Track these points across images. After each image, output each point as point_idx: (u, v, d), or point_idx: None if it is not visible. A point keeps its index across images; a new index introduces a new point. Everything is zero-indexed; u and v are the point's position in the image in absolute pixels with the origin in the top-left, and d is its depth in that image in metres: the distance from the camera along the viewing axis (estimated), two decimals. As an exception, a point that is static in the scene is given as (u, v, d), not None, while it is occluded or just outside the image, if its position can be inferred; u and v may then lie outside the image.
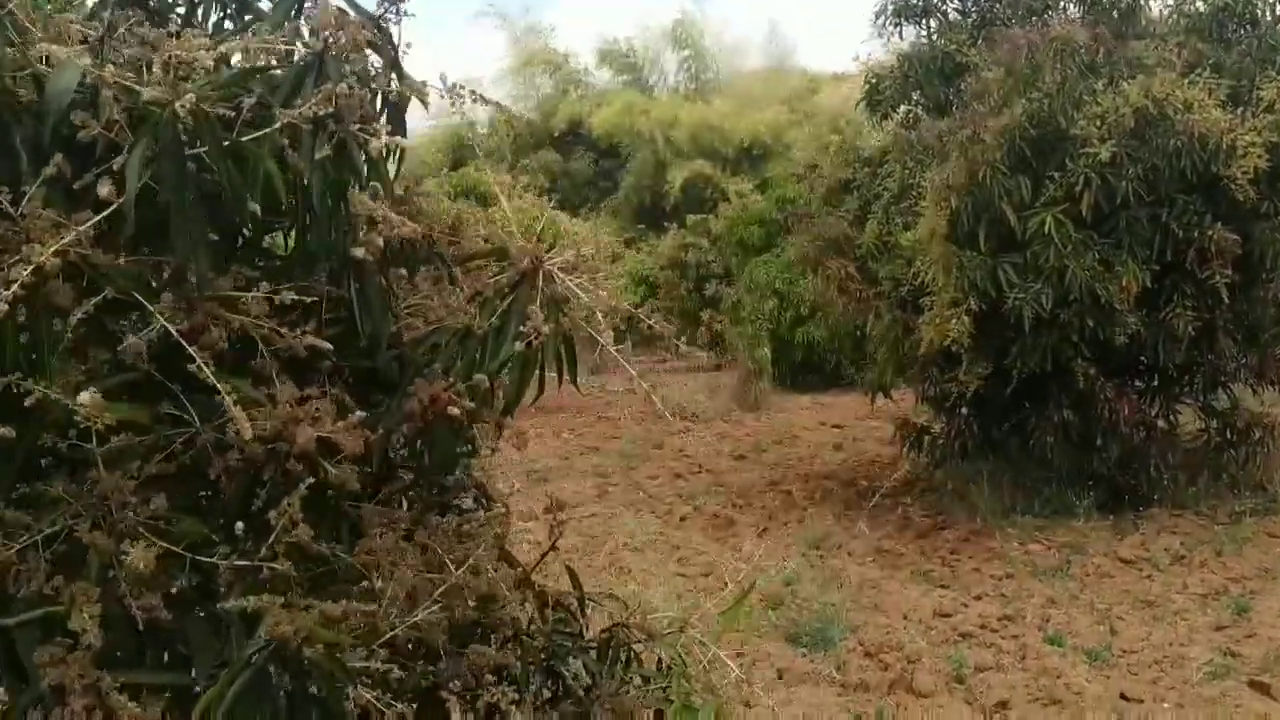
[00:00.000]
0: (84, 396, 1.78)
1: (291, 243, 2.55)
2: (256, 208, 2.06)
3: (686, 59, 34.61)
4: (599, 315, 2.31)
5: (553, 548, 2.95)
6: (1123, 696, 5.54)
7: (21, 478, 2.04)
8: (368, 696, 1.97)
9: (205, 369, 1.94)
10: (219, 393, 1.94)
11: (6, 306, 1.73)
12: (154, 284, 2.12)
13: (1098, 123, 8.02)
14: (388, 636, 2.13)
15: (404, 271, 2.56)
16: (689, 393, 17.23)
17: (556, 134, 33.12)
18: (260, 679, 1.87)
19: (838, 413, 15.40)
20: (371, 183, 2.52)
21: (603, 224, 28.43)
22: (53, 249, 1.83)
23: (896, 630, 6.58)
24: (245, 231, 2.49)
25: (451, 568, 2.28)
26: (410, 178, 2.78)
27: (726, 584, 7.57)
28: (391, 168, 2.55)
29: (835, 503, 10.12)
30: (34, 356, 1.90)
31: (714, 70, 34.51)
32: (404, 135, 2.61)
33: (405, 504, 2.81)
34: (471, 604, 2.40)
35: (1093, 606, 6.95)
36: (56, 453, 1.97)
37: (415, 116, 2.48)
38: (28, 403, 1.82)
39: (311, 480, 2.08)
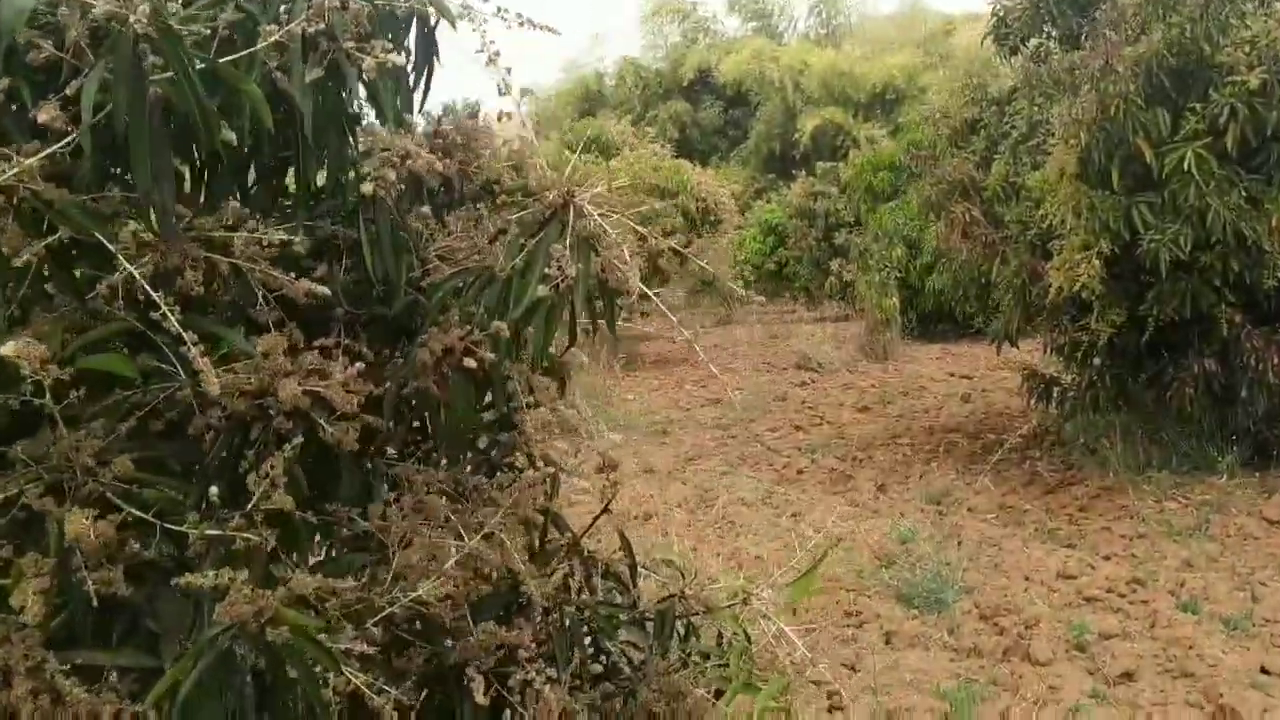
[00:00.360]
0: (8, 347, 1.59)
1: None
2: (232, 136, 1.86)
3: (817, 4, 33.81)
4: (626, 254, 2.05)
5: (605, 510, 2.73)
6: (1263, 670, 5.09)
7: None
8: (355, 681, 1.76)
9: (170, 315, 1.74)
10: (184, 342, 1.74)
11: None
12: (133, 223, 1.94)
13: (1246, 48, 7.40)
14: (384, 613, 1.93)
15: (426, 209, 2.33)
16: (815, 343, 16.86)
17: (685, 83, 32.69)
18: (226, 661, 1.68)
19: (967, 363, 14.88)
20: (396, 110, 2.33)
21: (731, 173, 28.03)
22: (-6, 184, 1.65)
23: (1015, 592, 6.20)
24: (273, 167, 2.31)
25: (466, 537, 2.06)
26: (463, 110, 2.56)
27: (840, 541, 7.29)
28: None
29: (959, 457, 9.70)
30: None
31: (845, 15, 33.66)
32: (434, 58, 2.39)
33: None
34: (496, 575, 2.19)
35: (1233, 571, 6.46)
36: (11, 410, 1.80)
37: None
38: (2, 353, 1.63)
39: (299, 440, 1.88)
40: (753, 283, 21.85)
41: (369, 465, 2.37)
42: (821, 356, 16.08)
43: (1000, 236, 8.90)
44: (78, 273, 1.89)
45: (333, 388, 1.89)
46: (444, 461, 2.60)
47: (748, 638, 2.60)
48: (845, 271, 18.81)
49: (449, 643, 2.11)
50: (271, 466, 1.82)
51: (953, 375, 14.29)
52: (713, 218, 19.47)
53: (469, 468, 2.65)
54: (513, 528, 2.14)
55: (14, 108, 1.84)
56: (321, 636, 1.78)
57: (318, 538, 2.37)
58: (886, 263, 16.93)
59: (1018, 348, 9.84)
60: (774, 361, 16.68)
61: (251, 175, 2.33)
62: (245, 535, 1.77)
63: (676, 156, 21.51)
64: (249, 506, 1.82)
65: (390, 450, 2.46)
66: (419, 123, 2.60)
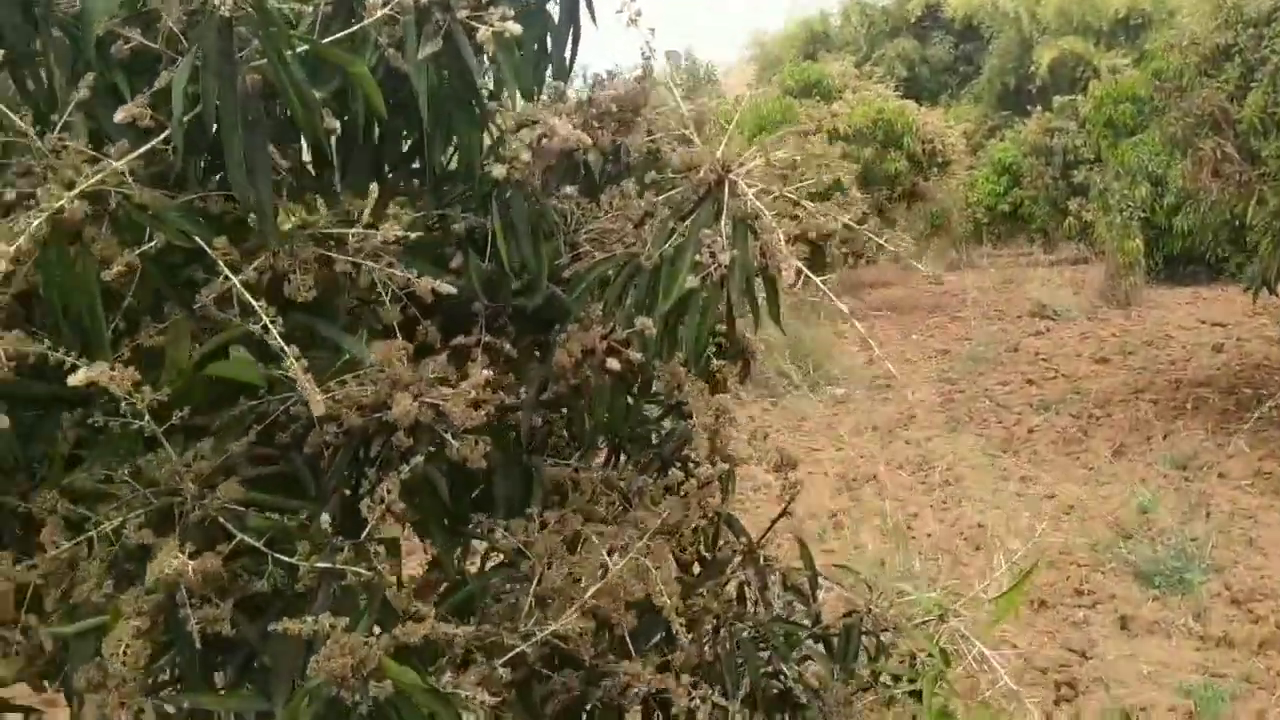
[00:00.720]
0: (80, 375, 1.44)
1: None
2: (336, 125, 1.67)
3: (1054, -75, 31.99)
4: (780, 241, 1.77)
5: (784, 513, 2.47)
6: None
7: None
8: (480, 729, 1.57)
9: (271, 327, 1.57)
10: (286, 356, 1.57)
11: (4, 268, 1.42)
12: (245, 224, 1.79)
13: None
14: (515, 651, 1.74)
15: (571, 190, 2.12)
16: (1051, 289, 16.02)
17: (913, 20, 31.55)
18: (334, 709, 1.51)
19: (1221, 309, 13.81)
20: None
21: (962, 112, 26.96)
22: (78, 190, 1.51)
23: (1274, 573, 5.62)
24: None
25: (618, 553, 1.84)
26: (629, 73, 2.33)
27: (1071, 510, 6.81)
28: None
29: (1209, 415, 8.95)
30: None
31: (1085, -65, 31.75)
32: (589, 17, 2.18)
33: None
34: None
35: None
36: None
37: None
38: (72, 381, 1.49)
39: (419, 460, 1.69)
40: (985, 225, 21.00)
41: (529, 464, 2.19)
42: (1058, 303, 15.28)
43: (1257, 174, 8.10)
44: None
45: (454, 400, 1.69)
46: (622, 456, 2.42)
47: (945, 659, 2.30)
48: (1085, 212, 17.81)
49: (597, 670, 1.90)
50: (388, 490, 1.64)
51: (1203, 323, 13.29)
52: (940, 159, 18.72)
53: (637, 463, 2.45)
54: (659, 550, 1.90)
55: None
56: (445, 679, 1.61)
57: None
58: (1129, 202, 15.88)
59: (1278, 294, 9.00)
60: (1006, 309, 15.93)
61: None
62: (356, 570, 1.60)
63: (903, 97, 20.78)
64: (362, 536, 1.65)
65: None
66: (574, 90, 2.39)
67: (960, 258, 20.64)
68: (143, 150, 1.59)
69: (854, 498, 7.55)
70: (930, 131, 18.35)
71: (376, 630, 1.63)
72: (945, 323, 15.58)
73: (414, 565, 2.25)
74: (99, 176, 1.53)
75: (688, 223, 1.90)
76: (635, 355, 1.91)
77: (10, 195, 1.55)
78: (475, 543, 2.21)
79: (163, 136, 1.61)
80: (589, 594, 1.79)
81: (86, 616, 1.62)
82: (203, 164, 1.74)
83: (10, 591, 1.76)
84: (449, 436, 1.73)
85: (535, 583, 1.85)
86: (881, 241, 2.04)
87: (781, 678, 2.26)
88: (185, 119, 1.59)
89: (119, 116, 1.53)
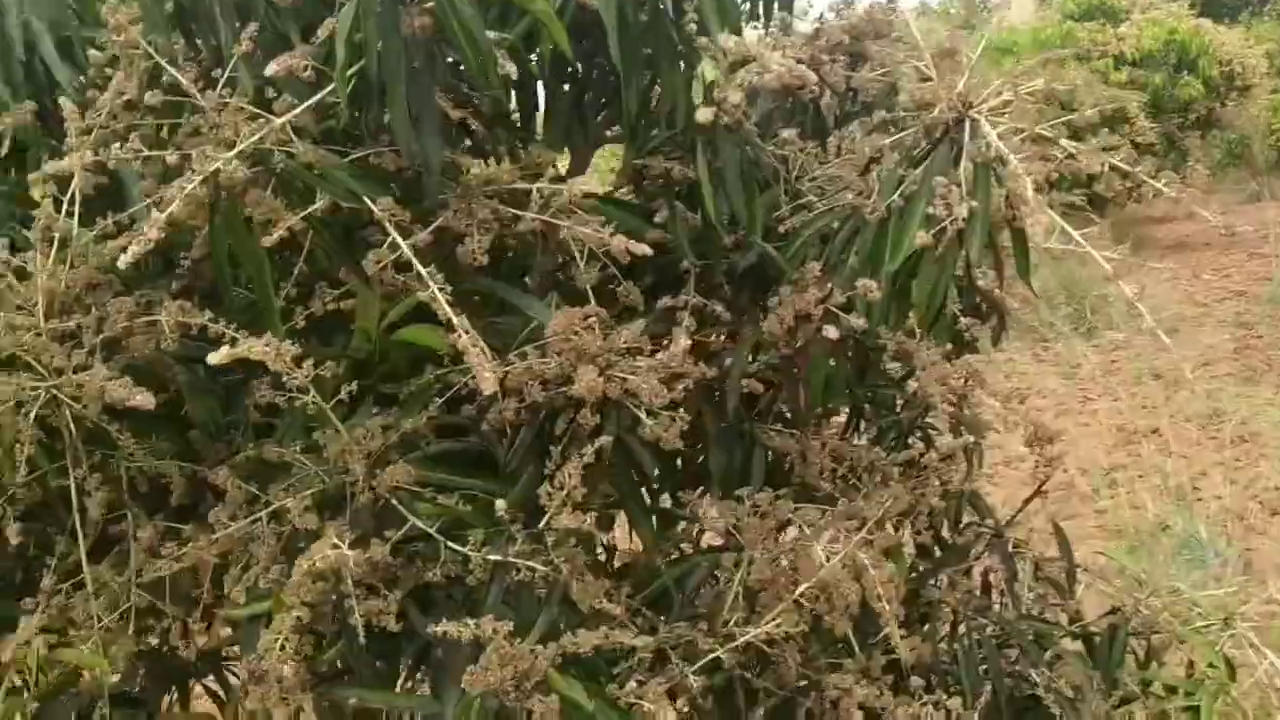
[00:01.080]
0: (221, 353, 1.33)
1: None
2: (512, 69, 1.49)
3: None
4: (1029, 188, 1.49)
5: (1038, 493, 2.20)
6: None
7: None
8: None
9: (439, 296, 1.43)
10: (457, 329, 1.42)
11: (155, 235, 1.32)
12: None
13: None
14: (712, 656, 1.55)
15: (790, 133, 1.89)
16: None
17: (1213, -70, 29.18)
18: (506, 716, 1.37)
19: None
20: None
21: (1266, 31, 24.76)
22: (236, 150, 1.40)
23: None
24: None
25: (823, 555, 1.63)
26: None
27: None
28: None
29: None
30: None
31: None
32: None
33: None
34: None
35: None
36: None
37: None
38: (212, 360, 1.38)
39: (607, 439, 1.52)
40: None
41: (751, 432, 2.00)
42: (1375, 237, 13.82)
43: None
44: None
45: (643, 375, 1.50)
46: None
47: (1230, 670, 1.98)
48: None
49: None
50: (569, 475, 1.47)
51: None
52: (1240, 83, 17.23)
53: (879, 427, 2.23)
54: (883, 542, 1.66)
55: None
56: (629, 686, 1.45)
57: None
58: None
59: None
60: (1320, 247, 14.52)
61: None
62: (530, 564, 1.44)
63: (1199, 15, 19.23)
64: (540, 525, 1.49)
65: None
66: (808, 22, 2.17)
67: (1262, 189, 18.99)
68: (308, 104, 1.46)
69: (1132, 453, 7.00)
70: (1229, 53, 16.88)
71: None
72: (1243, 260, 14.30)
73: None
74: (257, 135, 1.41)
75: (920, 170, 1.64)
76: (857, 321, 1.67)
77: (173, 158, 1.45)
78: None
79: (329, 89, 1.48)
80: (798, 593, 1.59)
81: (260, 599, 1.54)
82: (378, 117, 1.60)
83: (208, 564, 1.70)
84: (642, 414, 1.55)
85: (743, 573, 1.66)
86: (1159, 185, 1.72)
87: (1030, 683, 2.00)
88: (351, 70, 1.46)
89: (271, 69, 1.40)
